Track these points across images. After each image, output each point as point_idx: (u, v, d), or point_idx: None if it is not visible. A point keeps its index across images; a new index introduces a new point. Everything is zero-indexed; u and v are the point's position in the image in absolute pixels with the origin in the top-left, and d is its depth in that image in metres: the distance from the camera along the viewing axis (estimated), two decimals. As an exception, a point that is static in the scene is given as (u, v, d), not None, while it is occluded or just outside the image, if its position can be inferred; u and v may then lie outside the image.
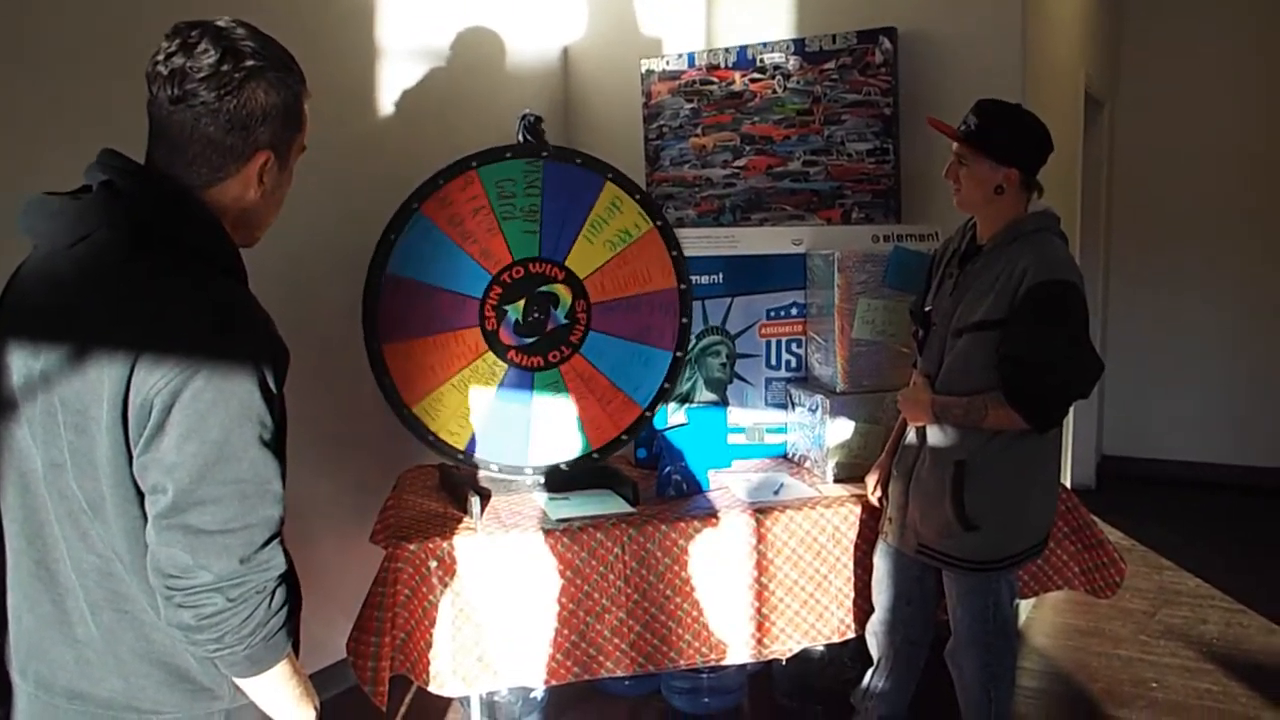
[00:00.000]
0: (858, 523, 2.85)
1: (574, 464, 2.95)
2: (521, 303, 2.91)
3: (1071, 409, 2.67)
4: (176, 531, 1.23)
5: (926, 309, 2.67)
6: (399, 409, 2.83)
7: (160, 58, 1.29)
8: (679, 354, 2.96)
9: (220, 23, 1.32)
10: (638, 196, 2.95)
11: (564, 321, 2.93)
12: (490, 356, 2.89)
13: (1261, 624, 3.94)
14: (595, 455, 2.95)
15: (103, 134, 1.52)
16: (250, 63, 1.30)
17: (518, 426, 2.92)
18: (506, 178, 2.88)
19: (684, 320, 2.97)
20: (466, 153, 2.86)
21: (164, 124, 1.31)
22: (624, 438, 2.97)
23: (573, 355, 2.93)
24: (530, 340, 2.91)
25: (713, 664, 2.80)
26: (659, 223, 2.95)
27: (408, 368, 2.84)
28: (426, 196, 2.83)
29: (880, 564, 2.75)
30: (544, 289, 2.93)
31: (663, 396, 2.96)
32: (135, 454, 1.24)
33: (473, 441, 2.90)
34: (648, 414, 2.97)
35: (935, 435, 2.55)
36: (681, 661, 2.73)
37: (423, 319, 2.85)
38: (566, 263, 2.93)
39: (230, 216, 1.37)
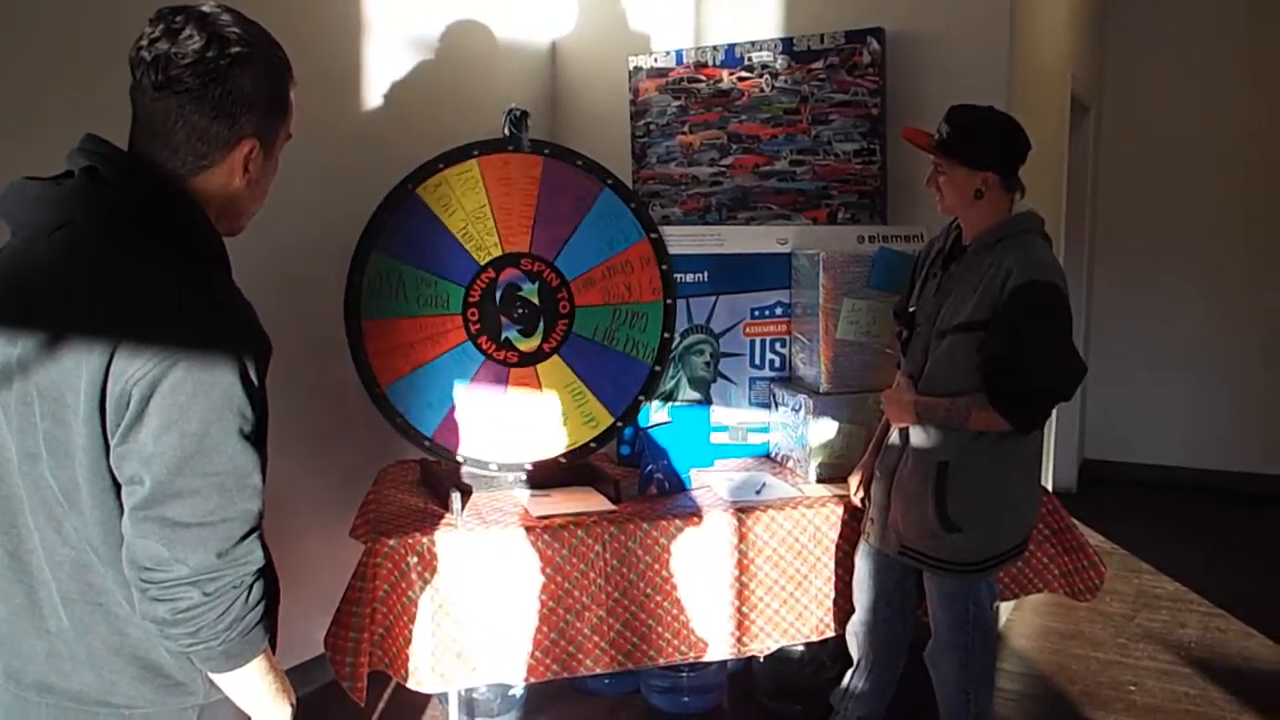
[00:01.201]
0: (839, 523, 2.86)
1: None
2: (537, 295, 2.92)
3: (1053, 412, 2.67)
4: (153, 524, 1.21)
5: (910, 310, 2.67)
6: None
7: (144, 43, 1.27)
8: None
9: (205, 8, 1.30)
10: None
11: (505, 336, 2.92)
12: (485, 254, 2.91)
13: (1239, 628, 3.96)
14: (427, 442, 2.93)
15: (85, 118, 1.50)
16: (235, 49, 1.28)
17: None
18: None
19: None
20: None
21: (147, 110, 1.29)
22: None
23: (468, 346, 2.91)
24: (496, 305, 2.90)
25: (692, 661, 2.80)
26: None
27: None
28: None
29: (861, 565, 2.75)
30: (550, 317, 2.94)
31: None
32: (113, 444, 1.22)
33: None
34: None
35: (918, 436, 2.55)
36: (661, 659, 2.73)
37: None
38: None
39: (215, 205, 1.35)
